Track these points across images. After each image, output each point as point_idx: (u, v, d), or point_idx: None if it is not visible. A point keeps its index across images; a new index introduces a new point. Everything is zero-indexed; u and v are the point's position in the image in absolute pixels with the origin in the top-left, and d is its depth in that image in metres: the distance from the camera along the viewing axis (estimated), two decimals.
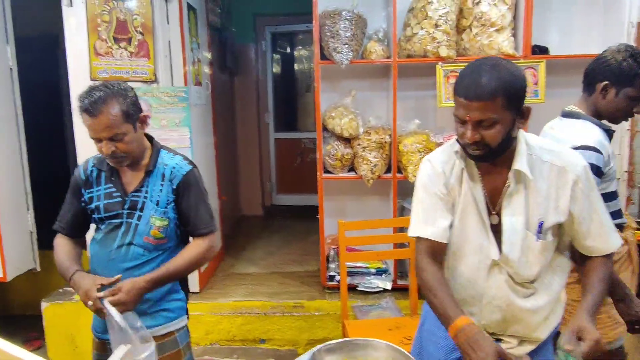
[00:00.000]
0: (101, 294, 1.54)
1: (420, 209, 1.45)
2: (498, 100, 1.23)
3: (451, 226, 1.43)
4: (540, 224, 1.35)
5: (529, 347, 1.45)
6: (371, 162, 3.10)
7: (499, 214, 1.38)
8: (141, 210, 1.69)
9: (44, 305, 3.11)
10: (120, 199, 1.71)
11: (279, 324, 3.07)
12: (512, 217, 1.35)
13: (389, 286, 3.21)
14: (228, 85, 5.18)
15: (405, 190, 3.30)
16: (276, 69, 6.09)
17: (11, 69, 3.20)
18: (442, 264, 1.46)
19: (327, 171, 3.24)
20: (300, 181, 5.79)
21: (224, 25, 4.68)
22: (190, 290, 3.27)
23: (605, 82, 1.78)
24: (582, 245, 1.41)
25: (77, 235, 1.83)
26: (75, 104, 1.65)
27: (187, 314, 1.86)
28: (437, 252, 1.44)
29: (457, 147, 1.39)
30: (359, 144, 3.14)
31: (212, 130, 3.94)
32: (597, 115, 1.83)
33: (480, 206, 1.38)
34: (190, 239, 1.83)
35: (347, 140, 3.21)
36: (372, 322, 2.71)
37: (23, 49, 3.38)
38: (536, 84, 3.01)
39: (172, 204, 1.72)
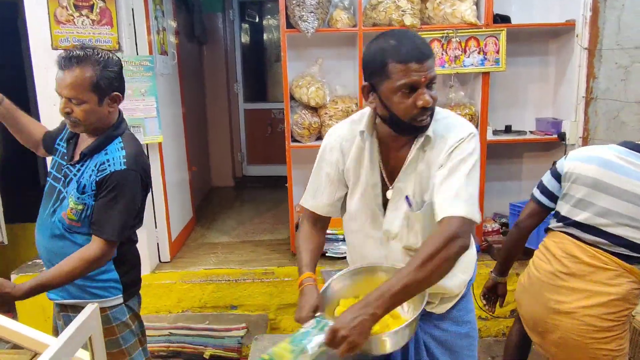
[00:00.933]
0: None
1: (311, 180, 1.55)
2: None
3: (343, 201, 1.52)
4: (422, 197, 1.39)
5: (450, 304, 1.52)
6: None
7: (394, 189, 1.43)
8: (68, 185, 1.68)
9: (13, 277, 3.10)
10: (63, 163, 1.72)
11: (250, 290, 3.15)
12: (404, 184, 1.39)
13: None
14: (196, 55, 5.12)
15: None
16: (245, 38, 6.02)
17: None
18: (322, 229, 1.57)
19: (295, 140, 3.28)
20: (271, 152, 5.81)
21: None
22: (161, 260, 3.34)
23: None
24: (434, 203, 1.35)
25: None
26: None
27: (123, 292, 1.79)
28: (318, 220, 1.55)
29: (363, 126, 1.39)
30: (325, 113, 3.19)
31: (179, 101, 3.92)
32: None
33: (377, 184, 1.43)
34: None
35: (315, 109, 3.24)
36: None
37: None
38: (497, 52, 3.09)
39: (95, 192, 1.66)
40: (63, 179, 1.70)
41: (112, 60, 1.65)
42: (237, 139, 5.84)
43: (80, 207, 1.66)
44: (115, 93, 1.67)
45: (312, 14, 3.03)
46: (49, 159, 1.99)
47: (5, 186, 3.32)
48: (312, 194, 1.54)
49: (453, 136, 1.33)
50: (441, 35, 3.05)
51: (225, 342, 2.80)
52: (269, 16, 6.28)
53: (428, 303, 1.49)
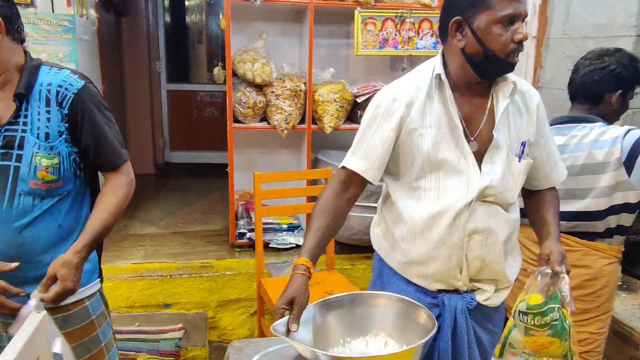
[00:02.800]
0: (34, 294, 1.21)
1: (359, 139, 1.35)
2: None
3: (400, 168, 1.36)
4: (523, 144, 1.33)
5: (504, 293, 1.39)
6: (285, 111, 2.91)
7: (476, 140, 1.31)
8: (20, 147, 1.31)
9: None
10: None
11: (186, 286, 2.82)
12: (498, 135, 1.30)
13: (301, 242, 3.09)
14: (114, 26, 4.59)
15: (320, 142, 3.17)
16: (167, 17, 5.57)
17: None
18: (352, 198, 1.37)
19: (237, 121, 2.99)
20: (196, 137, 5.44)
21: None
22: None
23: (620, 91, 1.74)
24: (533, 176, 1.43)
25: None
26: None
27: (100, 276, 1.53)
28: (352, 185, 1.35)
29: (439, 69, 1.29)
30: (272, 92, 2.93)
31: (99, 75, 3.45)
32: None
33: (458, 134, 1.29)
34: (101, 178, 1.48)
35: (259, 87, 2.97)
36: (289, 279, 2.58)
37: None
38: None
39: (65, 136, 1.35)
40: (4, 150, 1.31)
41: None
42: (158, 123, 5.36)
43: (56, 160, 1.33)
44: None
45: None
46: None
47: None
48: (362, 154, 1.32)
49: (534, 92, 1.38)
50: (395, 14, 2.91)
51: (160, 346, 2.47)
52: None
53: (482, 293, 1.36)
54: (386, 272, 1.44)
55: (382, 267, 1.47)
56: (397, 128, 1.31)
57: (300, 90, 2.95)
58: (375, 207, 2.83)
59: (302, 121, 3.03)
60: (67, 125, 1.34)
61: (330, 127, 2.95)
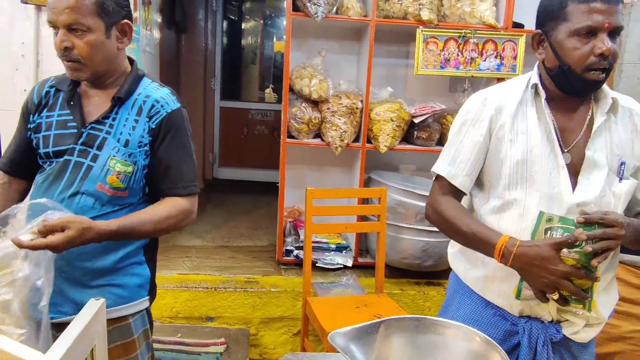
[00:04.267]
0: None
1: (447, 145, 1.33)
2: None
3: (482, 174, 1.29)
4: (622, 164, 1.21)
5: (596, 330, 1.25)
6: (340, 128, 2.86)
7: (570, 153, 1.21)
8: (99, 148, 1.30)
9: None
10: (75, 131, 1.32)
11: (230, 300, 2.77)
12: (595, 153, 1.19)
13: (349, 263, 3.00)
14: (174, 42, 4.71)
15: (372, 162, 3.10)
16: (225, 38, 5.72)
17: None
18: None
19: (290, 136, 2.96)
20: (245, 155, 5.47)
21: None
22: None
23: None
24: (636, 201, 1.27)
25: (19, 175, 1.43)
26: None
27: (149, 294, 1.47)
28: (448, 193, 1.31)
29: (535, 79, 1.24)
30: (328, 108, 2.89)
31: None
32: None
33: (552, 144, 1.21)
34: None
35: (315, 104, 2.94)
36: (336, 299, 2.49)
37: None
38: (515, 58, 2.90)
39: (146, 148, 1.33)
40: (83, 147, 1.31)
41: None
42: (210, 138, 5.43)
43: (130, 168, 1.31)
44: (125, 21, 1.32)
45: None
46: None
47: None
48: (449, 160, 1.30)
49: None
50: (458, 35, 2.84)
51: None
52: (248, 17, 6.03)
53: (570, 325, 1.23)
54: (463, 291, 1.35)
55: (459, 287, 1.38)
56: (487, 134, 1.25)
57: (357, 108, 2.90)
58: (428, 230, 2.76)
59: (356, 139, 2.97)
60: (150, 139, 1.34)
61: (385, 146, 2.87)
